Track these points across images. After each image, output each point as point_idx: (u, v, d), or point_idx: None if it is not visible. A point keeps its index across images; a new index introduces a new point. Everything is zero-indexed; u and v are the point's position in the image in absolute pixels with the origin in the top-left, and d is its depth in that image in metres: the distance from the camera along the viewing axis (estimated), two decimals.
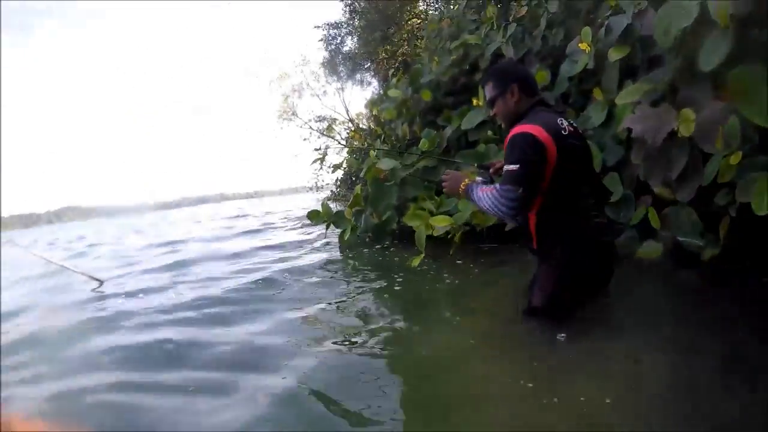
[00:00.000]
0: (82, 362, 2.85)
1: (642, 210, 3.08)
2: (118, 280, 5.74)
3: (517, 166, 2.14)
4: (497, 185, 2.23)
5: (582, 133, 2.47)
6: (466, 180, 2.45)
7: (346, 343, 2.71)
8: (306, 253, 6.05)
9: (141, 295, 4.55)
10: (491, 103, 2.50)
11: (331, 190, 17.21)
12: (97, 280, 5.59)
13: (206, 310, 3.65)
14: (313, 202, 18.65)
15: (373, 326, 2.93)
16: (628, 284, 2.77)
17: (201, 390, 2.28)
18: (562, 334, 2.26)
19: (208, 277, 5.15)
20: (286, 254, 6.15)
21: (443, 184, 2.58)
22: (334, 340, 2.74)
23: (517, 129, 2.23)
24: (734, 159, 2.36)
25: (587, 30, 3.71)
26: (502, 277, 3.67)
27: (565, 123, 2.29)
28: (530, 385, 1.91)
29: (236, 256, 6.56)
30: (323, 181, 17.78)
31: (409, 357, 2.45)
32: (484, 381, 2.08)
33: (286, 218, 14.37)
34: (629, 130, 3.03)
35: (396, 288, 3.78)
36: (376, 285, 3.96)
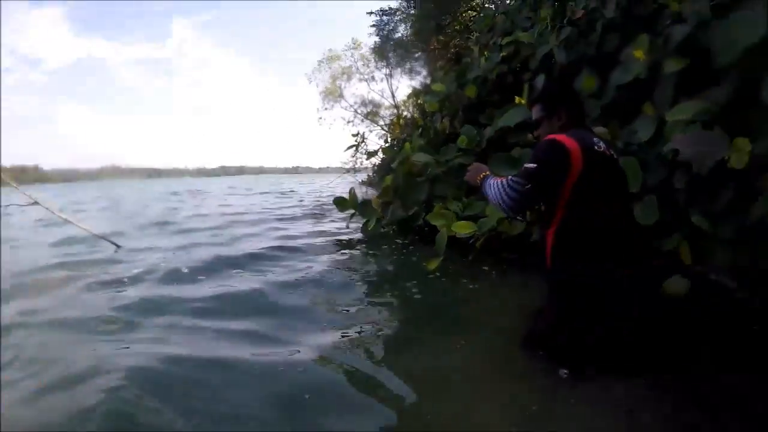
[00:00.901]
0: None
1: (676, 239, 2.85)
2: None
3: (534, 165, 2.13)
4: (510, 177, 2.20)
5: (617, 160, 2.35)
6: (487, 172, 2.46)
7: (338, 349, 2.65)
8: (327, 243, 5.97)
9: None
10: (537, 123, 2.51)
11: (368, 174, 17.15)
12: (116, 245, 5.88)
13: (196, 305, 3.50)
14: (347, 185, 18.82)
15: (373, 334, 2.86)
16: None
17: None
18: (565, 371, 2.13)
19: (217, 261, 5.08)
20: (307, 241, 6.10)
21: (467, 173, 2.61)
22: (326, 345, 2.68)
23: (547, 137, 2.23)
24: None
25: (644, 37, 3.48)
26: (519, 291, 3.55)
27: (603, 145, 2.23)
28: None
29: (262, 242, 6.44)
30: (361, 163, 17.66)
31: (401, 375, 2.31)
32: (472, 415, 1.96)
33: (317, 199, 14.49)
34: (676, 151, 2.83)
35: (410, 292, 3.67)
36: (390, 286, 3.88)
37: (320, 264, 4.78)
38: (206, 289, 3.91)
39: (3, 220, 8.23)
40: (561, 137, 2.15)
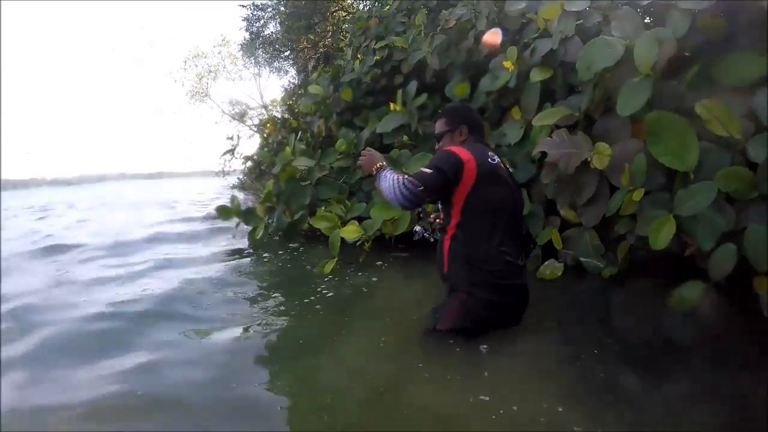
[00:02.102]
0: None
1: (548, 231, 3.20)
2: None
3: (431, 171, 2.28)
4: (406, 175, 2.31)
5: (509, 170, 2.59)
6: (383, 163, 2.53)
7: (268, 365, 2.52)
8: (215, 254, 5.45)
9: None
10: (439, 137, 2.64)
11: (239, 178, 16.52)
12: None
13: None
14: (220, 189, 17.77)
15: (298, 344, 2.79)
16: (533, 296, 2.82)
17: None
18: (485, 346, 2.31)
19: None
20: (192, 252, 5.57)
21: (360, 159, 2.65)
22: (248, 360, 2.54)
23: (446, 148, 2.42)
24: (636, 195, 2.56)
25: (514, 49, 3.79)
26: (419, 285, 3.62)
27: (497, 158, 2.45)
28: (487, 399, 1.93)
29: (135, 251, 5.80)
30: (230, 167, 16.89)
31: (344, 377, 2.31)
32: (434, 399, 2.02)
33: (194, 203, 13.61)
34: (543, 153, 3.15)
35: (316, 296, 3.54)
36: (292, 291, 3.72)
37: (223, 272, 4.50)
38: None
39: None
40: (458, 149, 2.34)
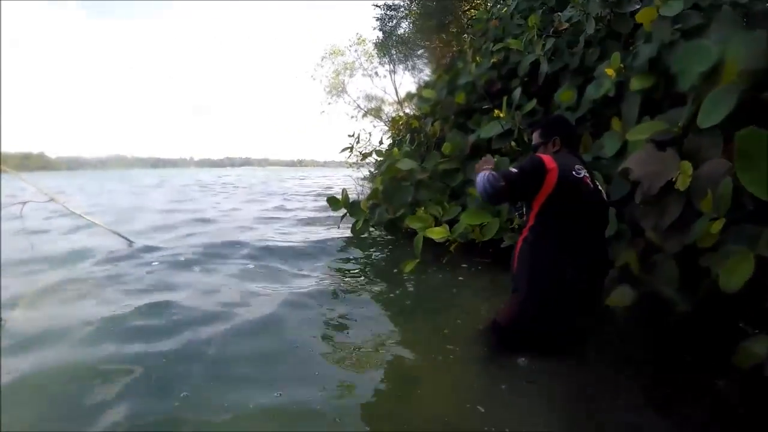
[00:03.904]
0: None
1: (628, 253, 2.96)
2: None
3: (516, 171, 2.45)
4: (494, 172, 2.49)
5: (598, 188, 2.60)
6: (490, 167, 2.68)
7: (317, 342, 2.86)
8: (318, 239, 6.26)
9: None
10: (535, 148, 2.82)
11: (370, 171, 17.13)
12: (128, 240, 5.89)
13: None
14: (348, 180, 18.79)
15: (357, 329, 3.08)
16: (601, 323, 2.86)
17: None
18: (523, 358, 2.42)
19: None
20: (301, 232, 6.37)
21: (478, 163, 2.85)
22: (305, 337, 2.92)
23: (536, 154, 2.59)
24: (716, 227, 2.23)
25: (617, 55, 3.58)
26: (489, 288, 3.82)
27: (583, 172, 2.51)
28: (482, 410, 2.04)
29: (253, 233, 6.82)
30: (363, 160, 17.54)
31: (381, 367, 2.57)
32: (442, 402, 2.17)
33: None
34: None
35: (400, 288, 3.89)
36: (371, 283, 4.09)
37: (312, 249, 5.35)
38: None
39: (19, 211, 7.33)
40: (546, 157, 2.48)
